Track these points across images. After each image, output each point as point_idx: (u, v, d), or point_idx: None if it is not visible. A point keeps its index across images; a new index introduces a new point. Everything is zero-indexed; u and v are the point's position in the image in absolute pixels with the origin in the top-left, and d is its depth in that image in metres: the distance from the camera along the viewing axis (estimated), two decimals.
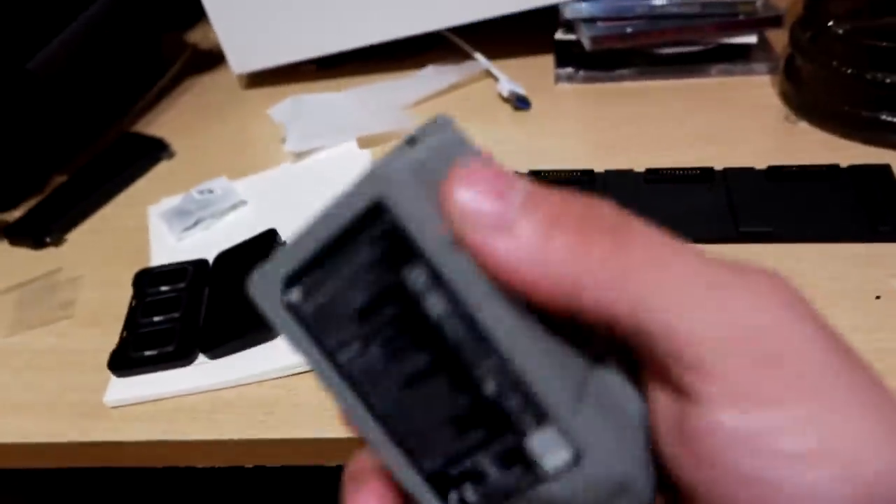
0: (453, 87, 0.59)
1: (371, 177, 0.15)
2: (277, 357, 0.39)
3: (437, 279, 0.15)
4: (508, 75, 0.57)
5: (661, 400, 0.16)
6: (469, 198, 0.15)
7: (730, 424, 0.14)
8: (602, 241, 0.15)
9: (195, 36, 0.71)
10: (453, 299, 0.15)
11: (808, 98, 0.49)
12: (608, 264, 0.14)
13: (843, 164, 0.44)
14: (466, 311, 0.15)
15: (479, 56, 0.60)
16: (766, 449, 0.14)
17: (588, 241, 0.15)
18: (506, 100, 0.57)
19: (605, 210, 0.15)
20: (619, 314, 0.15)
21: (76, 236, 0.52)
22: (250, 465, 0.38)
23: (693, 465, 0.15)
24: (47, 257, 0.50)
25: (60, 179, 0.56)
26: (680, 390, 0.15)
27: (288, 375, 0.39)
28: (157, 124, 0.62)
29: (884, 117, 0.45)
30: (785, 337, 0.14)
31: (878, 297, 0.37)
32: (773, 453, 0.14)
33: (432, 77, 0.60)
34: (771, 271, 0.15)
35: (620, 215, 0.15)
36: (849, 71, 0.46)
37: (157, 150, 0.57)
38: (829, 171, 0.44)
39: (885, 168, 0.43)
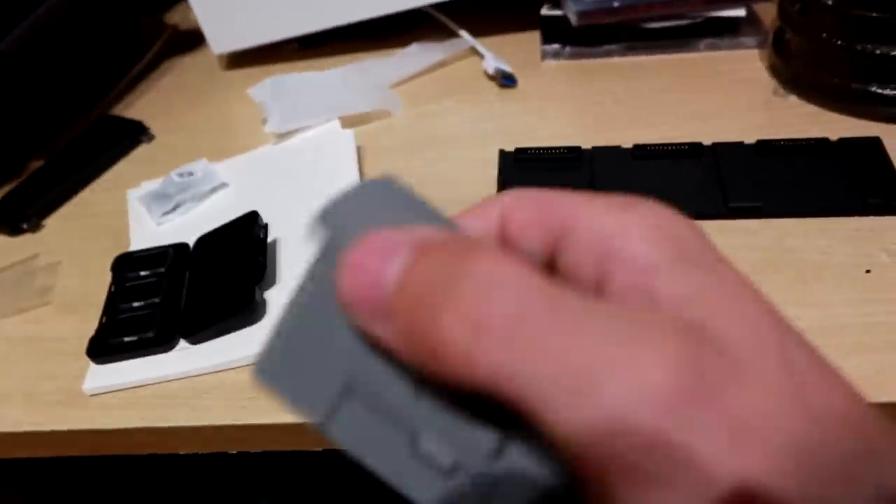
0: (438, 65, 0.58)
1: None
2: (259, 341, 0.38)
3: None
4: (494, 52, 0.56)
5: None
6: (349, 286, 0.15)
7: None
8: (465, 317, 0.14)
9: (174, 17, 0.70)
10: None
11: (797, 71, 0.49)
12: (467, 342, 0.14)
13: (833, 137, 0.43)
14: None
15: (464, 33, 0.59)
16: None
17: (455, 314, 0.14)
18: (491, 77, 0.56)
19: (479, 265, 0.14)
20: (502, 398, 0.14)
21: (53, 222, 0.51)
22: (234, 451, 0.38)
23: None
24: (24, 243, 0.49)
25: (37, 164, 0.55)
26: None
27: None
28: (137, 107, 0.61)
29: (874, 89, 0.45)
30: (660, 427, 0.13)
31: (867, 271, 0.37)
32: None
33: (417, 55, 0.59)
34: (671, 328, 0.14)
35: (489, 264, 0.14)
36: (838, 42, 0.45)
37: (136, 133, 0.56)
38: (819, 145, 0.43)
39: (875, 141, 0.43)
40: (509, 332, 0.14)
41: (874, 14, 0.44)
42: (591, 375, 0.13)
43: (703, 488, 0.13)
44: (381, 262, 0.15)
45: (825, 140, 0.43)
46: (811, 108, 0.48)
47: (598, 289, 0.17)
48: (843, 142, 0.43)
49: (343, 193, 0.17)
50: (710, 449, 0.13)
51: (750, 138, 0.44)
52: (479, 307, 0.14)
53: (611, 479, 0.13)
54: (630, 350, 0.13)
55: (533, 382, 0.13)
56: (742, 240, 0.40)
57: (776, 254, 0.39)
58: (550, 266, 0.18)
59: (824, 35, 0.46)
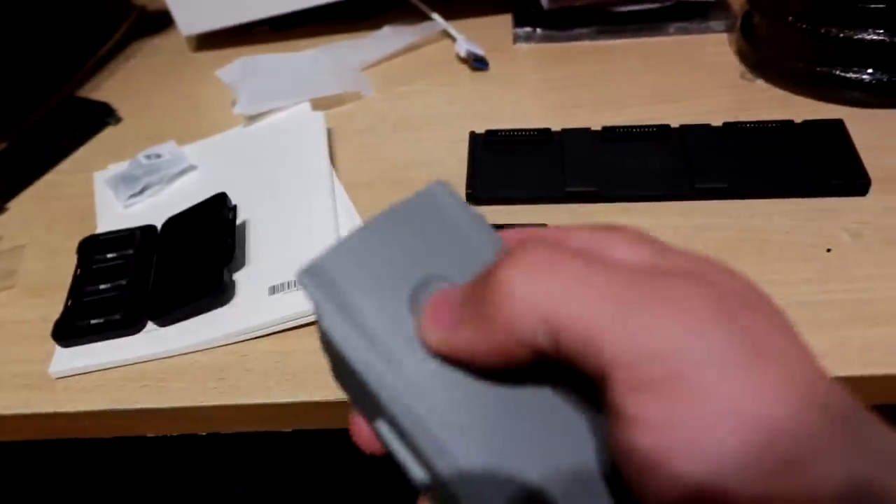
0: (410, 48, 0.58)
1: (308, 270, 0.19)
2: (228, 323, 0.38)
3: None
4: (466, 35, 0.56)
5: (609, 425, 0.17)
6: (436, 326, 0.19)
7: (632, 446, 0.15)
8: (515, 269, 0.17)
9: None
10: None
11: (763, 55, 0.49)
12: (522, 287, 0.17)
13: (798, 120, 0.44)
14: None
15: (436, 16, 0.59)
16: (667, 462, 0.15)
17: (507, 270, 0.17)
18: (463, 60, 0.56)
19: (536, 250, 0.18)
20: (552, 350, 0.16)
21: (18, 204, 0.50)
22: (202, 433, 0.37)
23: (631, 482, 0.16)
24: None
25: (1, 146, 0.54)
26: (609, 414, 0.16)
27: (239, 341, 0.38)
28: (104, 89, 0.60)
29: (837, 73, 0.46)
30: (684, 359, 0.15)
31: (828, 250, 0.38)
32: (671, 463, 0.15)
33: (389, 37, 0.58)
34: (693, 273, 0.17)
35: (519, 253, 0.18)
36: (803, 26, 0.46)
37: (102, 115, 0.55)
38: (783, 127, 0.44)
39: (838, 123, 0.43)
40: (559, 276, 0.16)
41: None
42: (631, 313, 0.16)
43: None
44: (452, 306, 0.19)
45: (790, 122, 0.44)
46: (777, 92, 0.48)
47: None
48: (807, 124, 0.44)
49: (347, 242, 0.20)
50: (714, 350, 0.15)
51: (717, 121, 0.45)
52: (523, 265, 0.17)
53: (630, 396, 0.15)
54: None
55: (595, 322, 0.16)
56: (708, 220, 0.40)
57: (741, 233, 0.39)
58: None
59: (790, 18, 0.46)
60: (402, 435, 0.18)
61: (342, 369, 0.19)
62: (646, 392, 0.15)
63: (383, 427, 0.19)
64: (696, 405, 0.15)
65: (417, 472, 0.18)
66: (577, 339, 0.16)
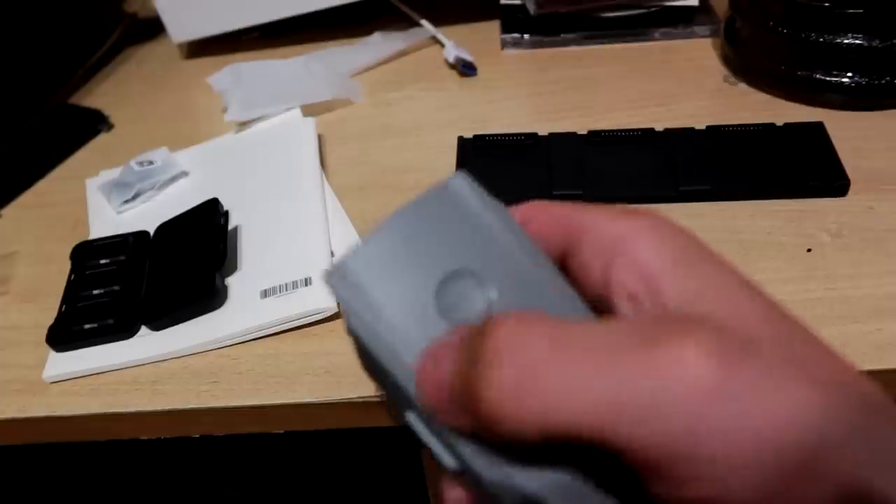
0: (399, 54, 0.59)
1: (333, 272, 0.20)
2: (220, 327, 0.38)
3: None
4: (455, 41, 0.57)
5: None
6: (432, 394, 0.18)
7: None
8: (501, 382, 0.16)
9: (133, 4, 0.69)
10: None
11: (746, 59, 0.50)
12: (511, 401, 0.16)
13: (779, 122, 0.45)
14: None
15: (425, 23, 0.59)
16: None
17: (493, 381, 0.17)
18: (452, 66, 0.56)
19: (488, 340, 0.17)
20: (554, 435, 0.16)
21: (10, 211, 0.50)
22: (197, 435, 0.38)
23: None
24: None
25: None
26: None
27: (231, 345, 0.38)
28: (95, 96, 0.60)
29: (818, 76, 0.46)
30: (700, 428, 0.15)
31: (809, 250, 0.38)
32: None
33: (378, 44, 0.59)
34: (689, 332, 0.16)
35: (500, 332, 0.17)
36: (784, 31, 0.47)
37: (94, 122, 0.56)
38: (765, 130, 0.44)
39: (818, 125, 0.44)
40: (540, 378, 0.16)
41: (817, 2, 0.45)
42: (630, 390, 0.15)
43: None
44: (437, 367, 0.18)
45: (771, 125, 0.45)
46: (761, 96, 0.49)
47: (604, 288, 0.19)
48: (788, 127, 0.45)
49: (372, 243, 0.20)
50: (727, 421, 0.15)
51: (701, 124, 0.46)
52: (505, 372, 0.16)
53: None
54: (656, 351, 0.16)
55: (585, 414, 0.15)
56: (692, 222, 0.40)
57: (724, 234, 0.40)
58: (562, 267, 0.20)
59: (771, 23, 0.47)
60: (432, 427, 0.19)
61: (370, 364, 0.20)
62: (664, 478, 0.15)
63: (413, 418, 0.19)
64: (709, 448, 0.15)
65: (448, 461, 0.19)
66: (581, 438, 0.16)
